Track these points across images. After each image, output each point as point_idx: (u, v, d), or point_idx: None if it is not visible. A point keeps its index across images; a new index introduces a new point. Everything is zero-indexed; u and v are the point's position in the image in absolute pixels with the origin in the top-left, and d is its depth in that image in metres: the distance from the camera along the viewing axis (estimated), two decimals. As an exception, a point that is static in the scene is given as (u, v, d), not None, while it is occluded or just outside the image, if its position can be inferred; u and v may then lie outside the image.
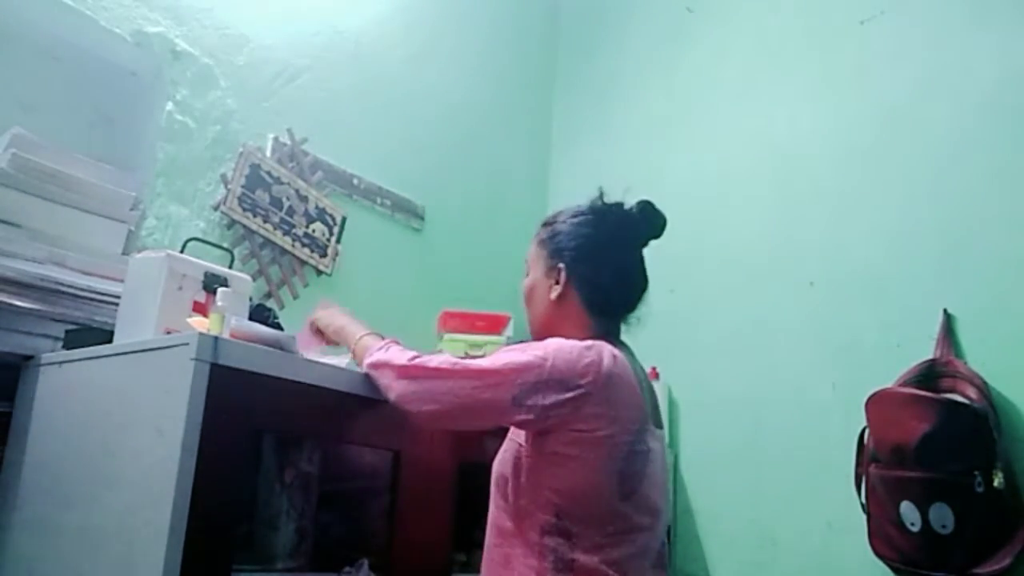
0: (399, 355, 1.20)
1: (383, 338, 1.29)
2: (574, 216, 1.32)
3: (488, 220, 2.57)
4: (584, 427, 1.11)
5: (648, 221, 1.31)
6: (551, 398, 1.10)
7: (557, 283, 1.28)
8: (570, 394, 1.10)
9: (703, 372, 2.11)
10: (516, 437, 1.21)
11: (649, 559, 1.16)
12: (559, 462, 1.12)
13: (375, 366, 1.23)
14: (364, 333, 1.31)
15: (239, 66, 1.95)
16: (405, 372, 1.17)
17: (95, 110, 1.79)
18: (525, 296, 1.35)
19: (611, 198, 1.33)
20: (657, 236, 1.32)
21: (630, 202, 1.32)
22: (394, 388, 1.19)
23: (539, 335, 1.30)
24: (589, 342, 1.17)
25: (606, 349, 1.16)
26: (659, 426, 1.25)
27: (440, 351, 1.20)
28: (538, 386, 1.10)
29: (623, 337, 1.31)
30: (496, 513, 1.22)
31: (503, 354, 1.16)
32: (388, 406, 1.35)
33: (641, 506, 1.14)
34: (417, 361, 1.18)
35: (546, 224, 1.36)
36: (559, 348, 1.14)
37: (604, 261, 1.28)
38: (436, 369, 1.15)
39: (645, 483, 1.15)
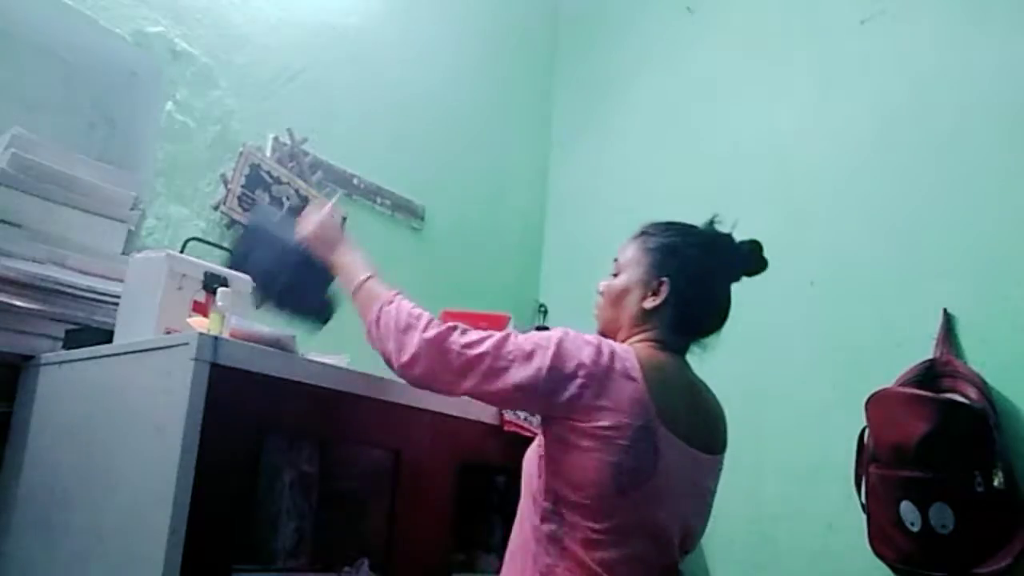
0: (413, 323, 1.19)
1: (387, 287, 1.27)
2: (686, 235, 1.32)
3: (488, 220, 2.57)
4: (579, 418, 1.12)
5: (753, 261, 1.34)
6: (550, 387, 1.13)
7: (655, 294, 1.27)
8: (567, 386, 1.12)
9: (702, 371, 2.11)
10: (539, 432, 1.23)
11: (650, 571, 1.15)
12: (562, 449, 1.14)
13: (385, 327, 1.21)
14: (367, 275, 1.29)
15: (239, 66, 1.95)
16: (426, 350, 1.16)
17: (95, 110, 1.79)
18: (613, 295, 1.33)
19: (724, 227, 1.34)
20: (752, 275, 1.35)
21: (737, 235, 1.34)
22: (399, 361, 1.18)
23: (613, 336, 1.32)
24: (595, 336, 1.19)
25: (608, 344, 1.18)
26: (695, 445, 1.22)
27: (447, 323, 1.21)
28: (539, 375, 1.12)
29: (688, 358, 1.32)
30: (523, 510, 1.23)
31: (510, 340, 1.17)
32: (388, 406, 1.35)
33: (643, 509, 1.13)
34: (430, 338, 1.17)
35: (652, 233, 1.34)
36: (563, 339, 1.16)
37: (705, 287, 1.30)
38: (448, 362, 1.16)
39: (649, 485, 1.14)
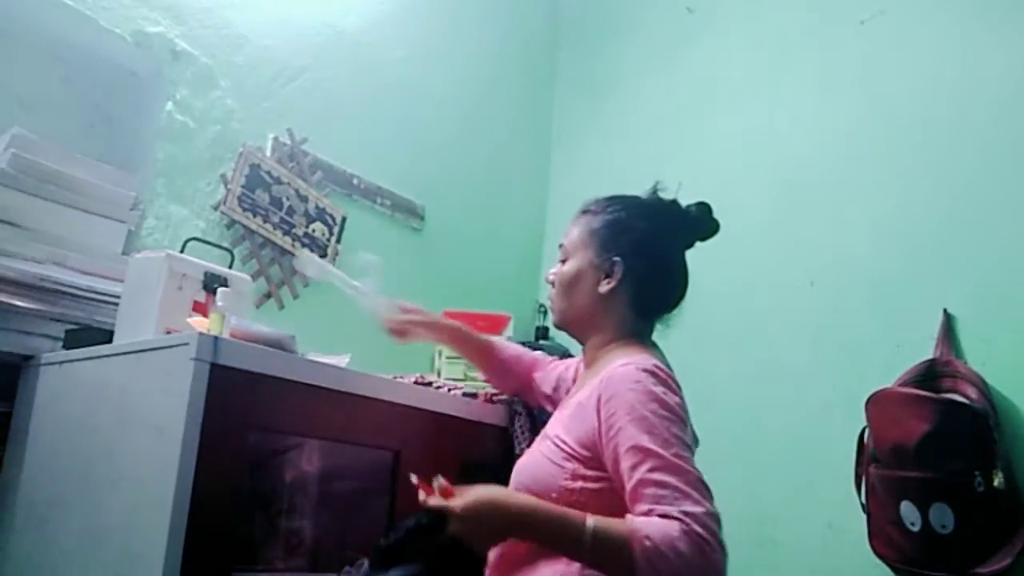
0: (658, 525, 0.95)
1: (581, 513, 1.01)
2: (630, 208, 1.25)
3: (488, 220, 2.57)
4: None
5: (704, 223, 1.27)
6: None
7: (608, 276, 1.21)
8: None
9: (702, 372, 2.11)
10: (559, 455, 1.11)
11: None
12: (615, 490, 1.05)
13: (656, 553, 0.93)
14: (583, 518, 0.99)
15: (239, 66, 1.95)
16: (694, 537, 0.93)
17: (95, 110, 1.79)
18: (565, 283, 1.26)
19: (667, 194, 1.28)
20: (706, 239, 1.28)
21: (683, 200, 1.28)
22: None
23: (572, 325, 1.27)
24: (652, 365, 1.10)
25: (666, 367, 1.13)
26: None
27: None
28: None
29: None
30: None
31: (659, 427, 1.03)
32: (388, 406, 1.36)
33: None
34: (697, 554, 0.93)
35: (596, 211, 1.27)
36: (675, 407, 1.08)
37: (660, 260, 1.24)
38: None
39: None
